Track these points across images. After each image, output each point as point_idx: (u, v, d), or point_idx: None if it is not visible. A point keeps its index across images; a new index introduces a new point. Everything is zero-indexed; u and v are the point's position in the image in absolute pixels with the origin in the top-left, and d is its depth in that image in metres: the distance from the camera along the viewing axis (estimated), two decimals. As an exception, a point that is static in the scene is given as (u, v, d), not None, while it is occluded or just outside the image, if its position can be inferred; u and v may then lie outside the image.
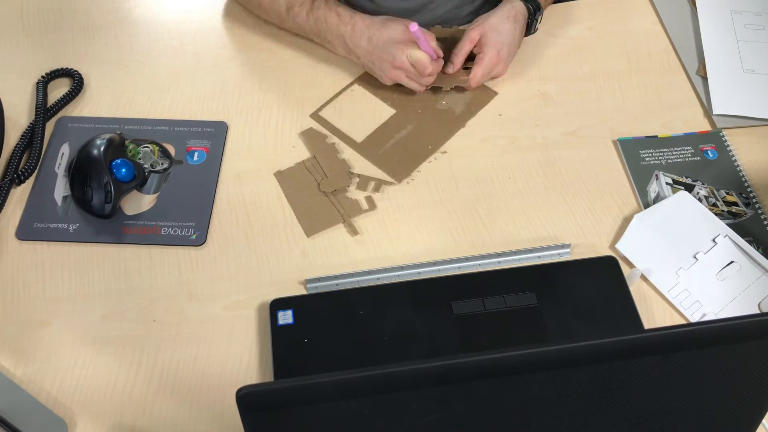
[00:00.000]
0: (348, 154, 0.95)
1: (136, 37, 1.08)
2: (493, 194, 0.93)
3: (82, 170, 0.88)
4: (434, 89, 1.01)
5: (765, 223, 0.89)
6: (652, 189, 0.92)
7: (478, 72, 0.99)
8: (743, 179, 0.93)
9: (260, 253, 0.87)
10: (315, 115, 0.99)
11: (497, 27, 0.99)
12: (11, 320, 0.82)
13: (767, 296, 0.82)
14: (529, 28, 1.04)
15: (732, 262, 0.84)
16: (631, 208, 0.91)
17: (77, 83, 1.00)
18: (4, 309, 0.82)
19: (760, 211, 0.90)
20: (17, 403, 0.75)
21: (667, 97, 1.03)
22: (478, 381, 0.51)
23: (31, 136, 0.95)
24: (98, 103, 1.00)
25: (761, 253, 0.85)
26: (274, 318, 0.80)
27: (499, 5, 1.02)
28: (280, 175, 0.93)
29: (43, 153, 0.94)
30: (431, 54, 0.95)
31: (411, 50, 0.94)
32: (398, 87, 1.00)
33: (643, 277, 0.85)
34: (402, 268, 0.85)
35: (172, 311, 0.83)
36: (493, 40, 0.99)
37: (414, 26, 0.92)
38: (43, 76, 1.00)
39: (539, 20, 1.04)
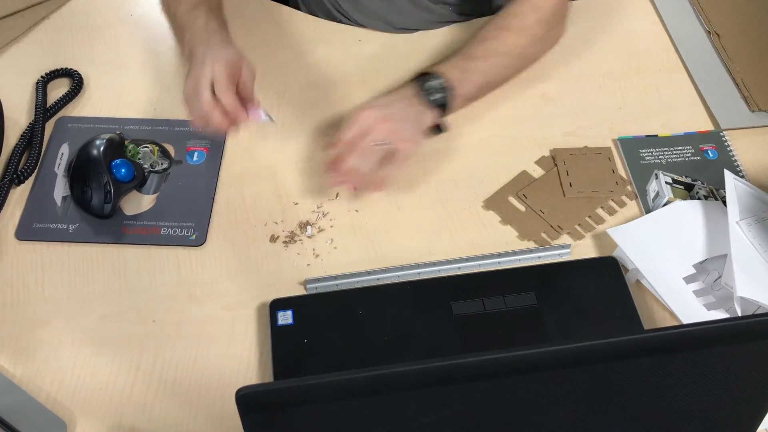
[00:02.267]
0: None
1: (136, 37, 1.08)
2: (493, 194, 0.92)
3: (82, 170, 0.88)
4: None
5: (765, 223, 0.89)
6: (652, 188, 0.92)
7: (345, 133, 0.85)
8: (743, 179, 0.93)
9: (260, 253, 0.87)
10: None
11: (373, 102, 0.89)
12: (11, 320, 0.82)
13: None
14: (433, 102, 0.89)
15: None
16: (631, 208, 0.91)
17: (77, 83, 1.00)
18: (3, 309, 0.82)
19: (760, 211, 0.90)
20: (17, 404, 0.75)
21: (667, 97, 1.03)
22: (478, 381, 0.51)
23: (31, 136, 0.95)
24: (98, 103, 1.00)
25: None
26: (273, 318, 0.80)
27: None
28: None
29: (42, 153, 0.94)
30: (237, 109, 0.85)
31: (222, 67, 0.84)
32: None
33: (643, 278, 0.85)
34: (402, 268, 0.85)
35: (172, 311, 0.83)
36: (364, 109, 0.86)
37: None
38: (42, 76, 1.00)
39: (442, 95, 0.89)
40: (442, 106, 0.90)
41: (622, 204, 0.91)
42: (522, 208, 0.91)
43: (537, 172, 0.95)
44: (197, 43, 0.89)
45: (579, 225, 0.90)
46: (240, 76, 0.87)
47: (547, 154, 0.96)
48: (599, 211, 0.91)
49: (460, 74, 0.91)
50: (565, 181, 0.93)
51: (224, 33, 0.92)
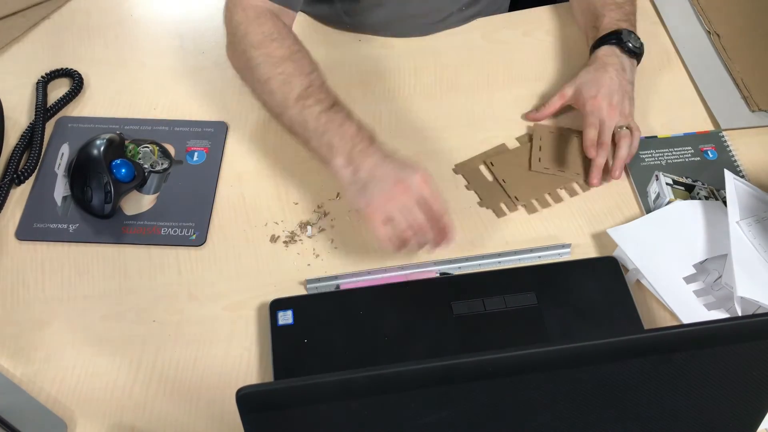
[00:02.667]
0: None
1: (136, 37, 1.08)
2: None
3: (82, 170, 0.88)
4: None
5: (765, 223, 0.89)
6: (653, 189, 0.92)
7: (588, 134, 0.91)
8: (743, 179, 0.93)
9: (260, 253, 0.87)
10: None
11: (592, 83, 0.93)
12: (11, 320, 0.82)
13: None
14: (635, 53, 0.96)
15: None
16: (631, 209, 0.91)
17: (77, 83, 1.00)
18: (4, 309, 0.82)
19: (760, 211, 0.90)
20: (17, 404, 0.75)
21: (667, 97, 1.03)
22: (478, 381, 0.51)
23: (31, 136, 0.95)
24: (98, 103, 1.00)
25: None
26: (274, 318, 0.80)
27: (588, 63, 0.97)
28: None
29: (42, 153, 0.94)
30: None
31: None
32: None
33: (643, 278, 0.85)
34: (402, 268, 0.85)
35: (172, 311, 0.83)
36: (593, 99, 0.92)
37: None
38: (42, 76, 1.00)
39: (638, 42, 0.96)
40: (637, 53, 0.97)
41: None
42: (490, 177, 0.93)
43: (514, 145, 0.96)
44: (364, 152, 0.80)
45: (536, 200, 0.91)
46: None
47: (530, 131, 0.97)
48: (560, 190, 0.91)
49: (623, 15, 0.98)
50: (535, 156, 0.94)
51: (377, 140, 0.83)
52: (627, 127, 0.92)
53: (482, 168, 0.94)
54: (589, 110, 0.93)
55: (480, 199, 0.91)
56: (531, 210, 0.90)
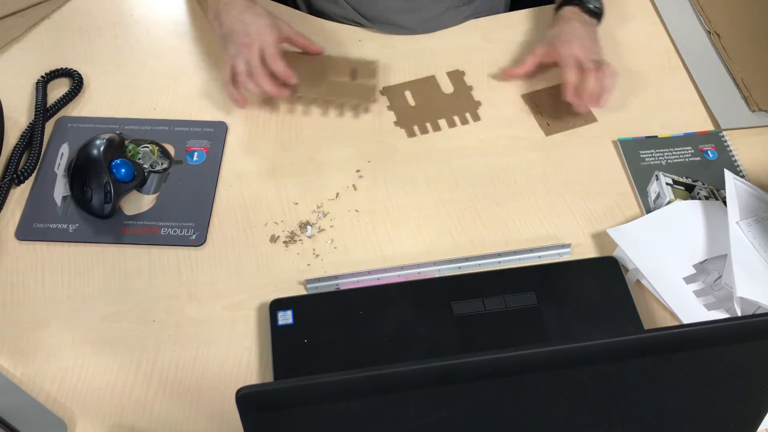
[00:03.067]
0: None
1: (136, 37, 1.08)
2: (493, 194, 0.93)
3: (82, 170, 0.88)
4: None
5: (765, 223, 0.89)
6: (653, 189, 0.92)
7: (568, 77, 0.94)
8: (743, 179, 0.93)
9: (260, 253, 0.87)
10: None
11: (560, 35, 0.98)
12: (11, 320, 0.82)
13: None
14: (595, 13, 1.01)
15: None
16: (632, 209, 0.91)
17: (77, 83, 1.00)
18: (3, 309, 0.82)
19: (760, 211, 0.90)
20: (17, 404, 0.75)
21: (667, 97, 1.03)
22: (478, 381, 0.51)
23: (31, 136, 0.95)
24: (98, 103, 1.00)
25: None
26: (274, 318, 0.80)
27: (552, 22, 1.02)
28: None
29: (42, 153, 0.94)
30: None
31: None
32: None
33: (643, 278, 0.85)
34: (402, 268, 0.85)
35: (172, 311, 0.83)
36: (561, 39, 0.96)
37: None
38: (42, 76, 1.00)
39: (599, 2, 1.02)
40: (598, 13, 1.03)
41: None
42: (413, 102, 1.01)
43: (444, 81, 1.03)
44: (225, 8, 0.93)
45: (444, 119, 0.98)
46: (284, 39, 0.94)
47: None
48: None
49: None
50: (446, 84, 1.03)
51: None
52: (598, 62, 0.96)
53: (407, 93, 1.02)
54: (563, 53, 0.96)
55: (396, 119, 0.99)
56: (436, 128, 0.98)
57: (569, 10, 1.01)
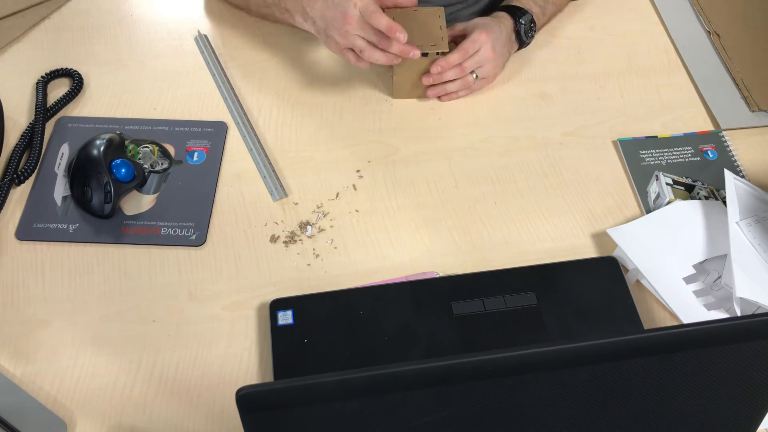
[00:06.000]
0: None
1: (136, 37, 1.08)
2: (493, 194, 0.93)
3: (82, 170, 0.88)
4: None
5: (765, 223, 0.89)
6: (653, 189, 0.92)
7: (451, 57, 0.94)
8: (743, 179, 0.93)
9: (260, 253, 0.87)
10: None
11: (488, 25, 0.98)
12: (11, 320, 0.82)
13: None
14: (521, 40, 1.02)
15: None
16: (631, 209, 0.91)
17: (77, 83, 1.00)
18: (4, 309, 0.82)
19: (760, 211, 0.90)
20: (17, 404, 0.75)
21: (667, 97, 1.03)
22: (478, 381, 0.51)
23: (31, 136, 0.95)
24: (98, 103, 1.00)
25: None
26: (273, 318, 0.80)
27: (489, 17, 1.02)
28: None
29: (42, 153, 0.94)
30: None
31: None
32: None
33: (643, 278, 0.85)
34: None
35: (172, 311, 0.83)
36: (485, 33, 0.96)
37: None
38: (42, 76, 1.00)
39: (532, 34, 1.03)
40: (524, 41, 1.03)
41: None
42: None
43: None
44: (309, 4, 0.92)
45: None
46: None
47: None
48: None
49: (540, 10, 1.04)
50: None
51: None
52: (477, 76, 0.98)
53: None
54: (474, 37, 0.96)
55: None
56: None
57: (506, 17, 1.01)
